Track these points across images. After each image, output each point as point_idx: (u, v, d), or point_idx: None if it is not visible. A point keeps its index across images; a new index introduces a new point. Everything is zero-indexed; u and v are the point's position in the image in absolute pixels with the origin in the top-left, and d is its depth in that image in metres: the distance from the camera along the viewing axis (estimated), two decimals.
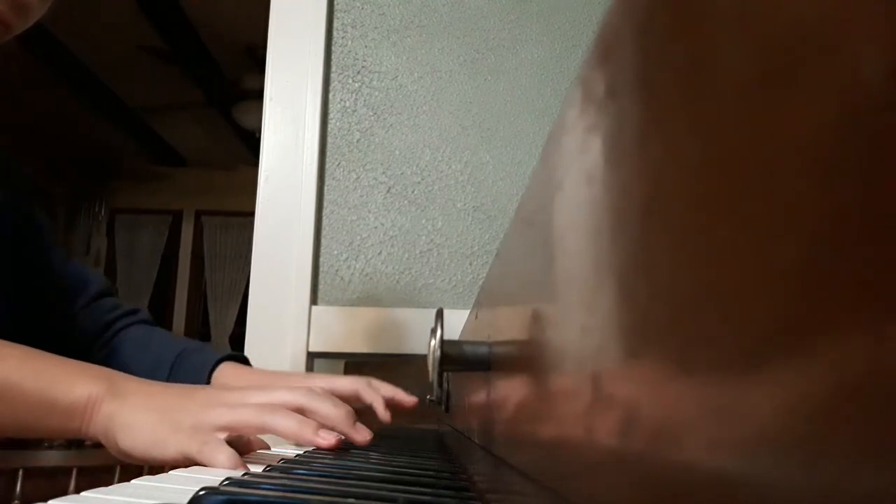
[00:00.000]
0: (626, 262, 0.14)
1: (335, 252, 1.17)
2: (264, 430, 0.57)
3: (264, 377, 0.80)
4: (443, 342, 0.43)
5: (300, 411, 0.58)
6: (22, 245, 0.82)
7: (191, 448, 0.53)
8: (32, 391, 0.56)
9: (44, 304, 0.74)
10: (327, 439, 0.57)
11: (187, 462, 0.54)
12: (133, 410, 0.57)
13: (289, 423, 0.56)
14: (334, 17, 1.23)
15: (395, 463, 0.53)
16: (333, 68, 1.22)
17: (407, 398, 0.80)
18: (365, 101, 1.21)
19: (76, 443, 1.22)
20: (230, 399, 0.58)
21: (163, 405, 0.57)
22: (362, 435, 0.63)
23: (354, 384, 0.78)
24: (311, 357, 1.13)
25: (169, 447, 0.54)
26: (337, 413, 0.61)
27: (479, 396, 0.42)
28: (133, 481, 0.41)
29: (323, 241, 1.17)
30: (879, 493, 0.06)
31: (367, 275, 1.16)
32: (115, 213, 4.98)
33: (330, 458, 0.54)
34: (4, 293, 0.76)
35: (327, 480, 0.41)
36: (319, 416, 0.60)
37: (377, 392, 0.77)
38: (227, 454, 0.52)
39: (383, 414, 0.76)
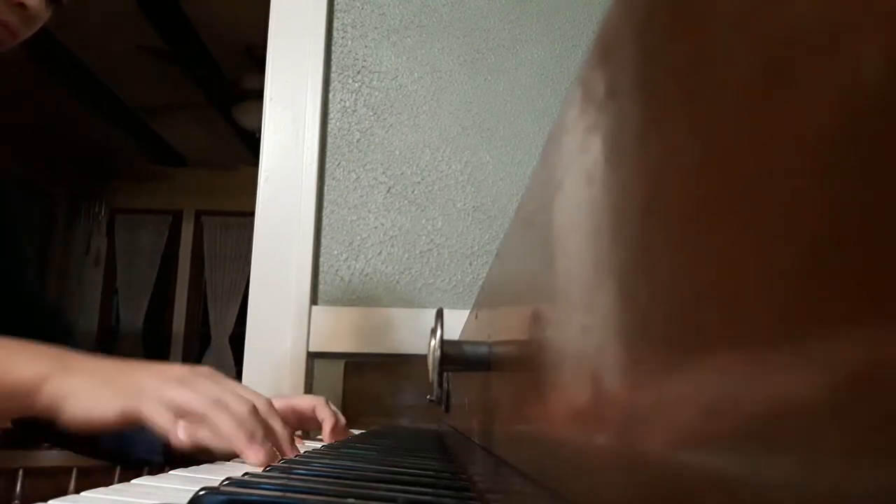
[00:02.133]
0: (626, 262, 0.14)
1: (335, 252, 1.17)
2: (203, 419, 0.55)
3: None
4: (443, 342, 0.43)
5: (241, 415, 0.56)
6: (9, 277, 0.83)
7: (131, 405, 0.55)
8: None
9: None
10: (257, 453, 0.54)
11: (126, 421, 0.55)
12: (74, 381, 0.58)
13: (228, 424, 0.54)
14: (334, 17, 1.23)
15: (395, 463, 0.53)
16: (333, 68, 1.22)
17: (347, 434, 0.83)
18: (365, 101, 1.21)
19: (59, 444, 1.22)
20: (181, 377, 0.58)
21: (109, 374, 0.59)
22: (257, 455, 0.57)
23: (313, 401, 0.81)
24: (311, 357, 1.13)
25: (109, 407, 0.55)
26: (281, 431, 0.59)
27: (479, 396, 0.42)
28: (133, 481, 0.41)
29: (323, 241, 1.17)
30: (879, 493, 0.06)
31: (367, 275, 1.16)
32: (115, 213, 4.98)
33: (330, 458, 0.54)
34: None
35: (327, 480, 0.41)
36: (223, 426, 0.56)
37: (332, 413, 0.80)
38: (168, 417, 0.53)
39: (327, 434, 0.79)
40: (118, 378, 0.58)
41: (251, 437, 0.54)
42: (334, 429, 0.78)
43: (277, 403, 0.77)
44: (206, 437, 0.55)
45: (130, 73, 3.69)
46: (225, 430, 0.54)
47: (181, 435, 0.53)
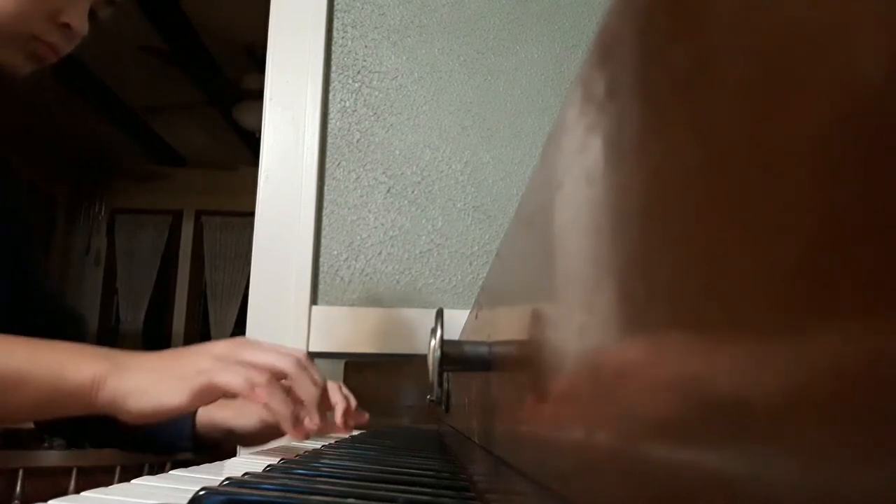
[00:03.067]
0: (626, 261, 0.14)
1: (335, 252, 1.17)
2: (248, 397, 0.61)
3: None
4: (443, 342, 0.43)
5: (283, 377, 0.64)
6: (15, 267, 0.84)
7: (199, 384, 0.60)
8: (45, 378, 0.61)
9: (26, 328, 0.76)
10: (297, 433, 0.62)
11: (200, 403, 0.61)
12: (134, 377, 0.62)
13: (277, 402, 0.61)
14: (334, 17, 1.23)
15: (395, 463, 0.53)
16: (333, 68, 1.22)
17: (359, 417, 0.84)
18: (365, 101, 1.21)
19: (76, 443, 1.22)
20: (228, 351, 0.64)
21: (162, 365, 0.63)
22: (305, 428, 0.65)
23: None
24: (311, 357, 1.13)
25: (177, 394, 0.60)
26: (313, 392, 0.66)
27: (479, 396, 0.42)
28: (133, 481, 0.41)
29: (323, 241, 1.17)
30: (880, 493, 0.06)
31: (367, 275, 1.16)
32: (115, 213, 4.98)
33: (330, 458, 0.54)
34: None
35: (327, 480, 0.41)
36: (301, 391, 0.65)
37: (344, 398, 0.81)
38: (241, 380, 0.59)
39: (339, 419, 0.79)
40: (173, 367, 0.63)
41: (292, 421, 0.62)
42: (346, 412, 0.79)
43: None
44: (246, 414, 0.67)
45: (130, 73, 3.69)
46: (272, 406, 0.61)
47: (261, 395, 0.60)
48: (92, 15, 0.75)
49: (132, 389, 0.61)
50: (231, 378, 0.61)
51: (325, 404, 0.81)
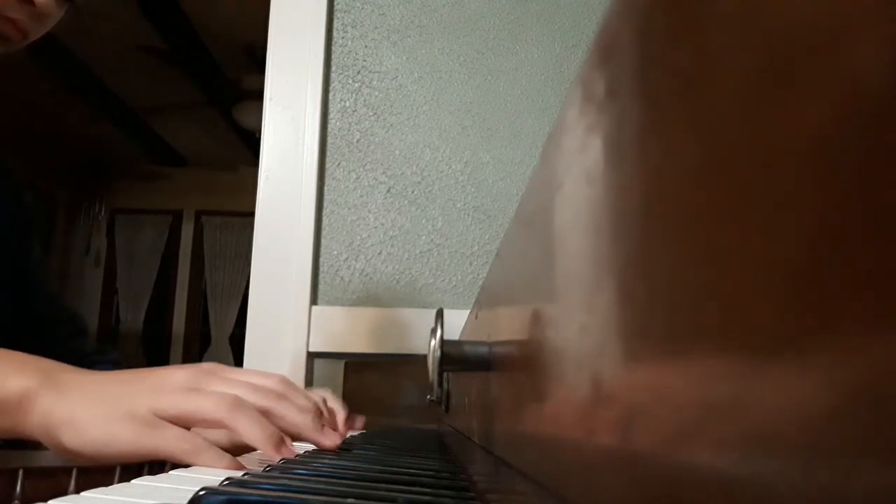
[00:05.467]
0: (626, 262, 0.14)
1: (335, 252, 1.17)
2: (222, 426, 0.51)
3: None
4: (443, 342, 0.43)
5: (264, 413, 0.53)
6: (15, 265, 0.83)
7: (166, 446, 0.48)
8: None
9: (24, 326, 0.75)
10: (286, 454, 0.51)
11: (144, 458, 0.49)
12: (72, 404, 0.50)
13: (252, 428, 0.50)
14: (334, 17, 1.23)
15: (395, 463, 0.53)
16: (333, 68, 1.22)
17: (354, 422, 0.80)
18: (365, 101, 1.21)
19: None
20: (187, 382, 0.52)
21: (107, 394, 0.51)
22: (331, 439, 0.57)
23: (321, 395, 0.75)
24: (311, 357, 1.13)
25: (127, 443, 0.48)
26: (303, 419, 0.55)
27: (479, 396, 0.42)
28: (133, 481, 0.41)
29: (323, 241, 1.17)
30: (880, 495, 0.06)
31: (367, 275, 1.16)
32: (115, 213, 4.98)
33: (330, 458, 0.54)
34: None
35: (327, 480, 0.41)
36: (285, 422, 0.54)
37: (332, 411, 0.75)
38: (218, 455, 0.48)
39: (341, 424, 0.74)
40: (122, 399, 0.50)
41: (276, 443, 0.51)
42: (347, 419, 0.75)
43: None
44: (222, 440, 0.53)
45: (130, 73, 3.69)
46: (248, 435, 0.51)
47: (209, 463, 0.48)
48: None
49: (66, 419, 0.49)
50: (178, 447, 0.48)
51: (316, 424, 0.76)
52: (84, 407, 0.50)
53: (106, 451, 0.49)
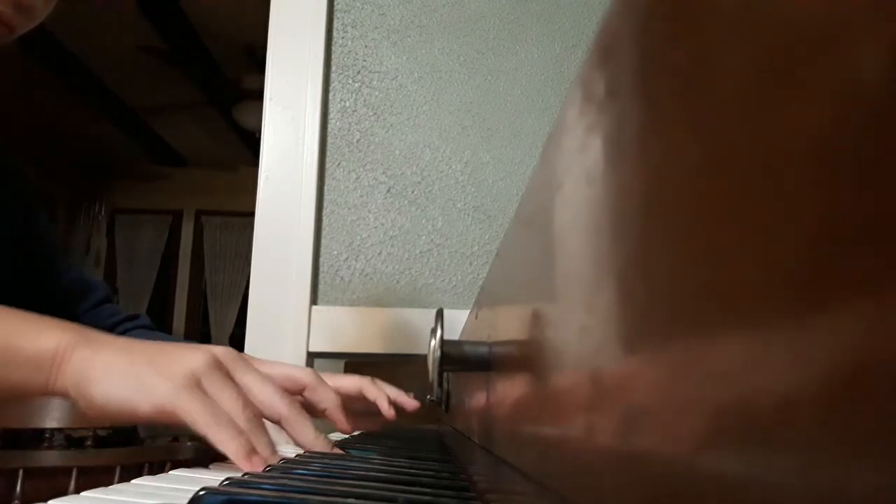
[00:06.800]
0: (626, 262, 0.14)
1: (335, 252, 1.17)
2: (200, 433, 0.49)
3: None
4: (443, 342, 0.43)
5: (300, 390, 0.59)
6: (26, 247, 0.83)
7: (183, 389, 0.47)
8: None
9: (47, 306, 0.75)
10: (256, 465, 0.48)
11: (166, 418, 0.48)
12: (108, 358, 0.50)
13: (229, 437, 0.48)
14: (334, 17, 1.23)
15: (394, 463, 0.53)
16: (333, 68, 1.22)
17: (409, 401, 0.79)
18: (365, 101, 1.21)
19: (76, 442, 1.22)
20: (197, 368, 0.51)
21: (139, 354, 0.51)
22: (322, 445, 0.57)
23: (359, 382, 0.78)
24: (311, 357, 1.13)
25: (153, 394, 0.48)
26: (334, 399, 0.61)
27: (479, 396, 0.42)
28: (133, 481, 0.41)
29: (323, 241, 1.17)
30: (880, 493, 0.06)
31: (367, 275, 1.16)
32: (115, 213, 4.98)
33: (330, 458, 0.54)
34: (9, 294, 0.76)
35: (327, 480, 0.41)
36: (321, 402, 0.60)
37: (381, 390, 0.77)
38: (233, 430, 0.47)
39: (387, 411, 0.76)
40: (157, 359, 0.50)
41: (249, 451, 0.49)
42: (390, 402, 0.75)
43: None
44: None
45: (130, 73, 3.69)
46: (224, 447, 0.49)
47: (224, 440, 0.47)
48: None
49: (101, 374, 0.49)
50: (199, 416, 0.48)
51: (356, 406, 0.75)
52: (118, 360, 0.50)
53: (137, 406, 0.48)
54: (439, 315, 0.46)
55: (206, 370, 0.51)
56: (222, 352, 0.54)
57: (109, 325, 0.89)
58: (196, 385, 0.50)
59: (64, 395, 0.51)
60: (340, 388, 0.74)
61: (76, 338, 0.51)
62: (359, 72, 1.22)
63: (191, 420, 0.48)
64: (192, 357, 0.51)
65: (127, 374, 0.49)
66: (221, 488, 0.33)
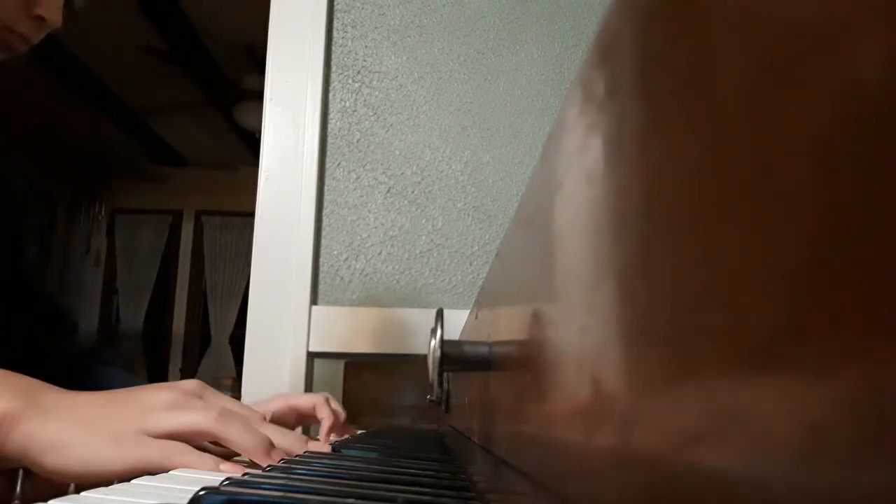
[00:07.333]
0: (626, 262, 0.14)
1: (335, 252, 1.17)
2: (211, 436, 0.51)
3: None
4: (443, 342, 0.43)
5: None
6: (11, 264, 0.84)
7: (150, 455, 0.48)
8: None
9: (22, 330, 0.75)
10: (273, 459, 0.51)
11: (135, 475, 0.46)
12: (57, 426, 0.49)
13: (242, 436, 0.51)
14: (334, 17, 1.23)
15: (394, 463, 0.53)
16: (333, 68, 1.22)
17: (349, 430, 0.83)
18: (365, 101, 1.21)
19: None
20: (168, 401, 0.52)
21: (93, 416, 0.50)
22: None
23: (314, 399, 0.80)
24: (311, 357, 1.13)
25: (113, 460, 0.48)
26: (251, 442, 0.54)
27: (479, 396, 0.42)
28: (133, 481, 0.41)
29: (323, 241, 1.17)
30: (880, 496, 0.06)
31: (367, 275, 1.16)
32: (115, 213, 4.98)
33: (330, 459, 0.54)
34: None
35: (327, 480, 0.41)
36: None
37: (330, 413, 0.79)
38: (198, 455, 0.48)
39: (324, 437, 0.77)
40: (108, 419, 0.50)
41: (266, 450, 0.51)
42: (332, 428, 0.78)
43: (277, 403, 0.79)
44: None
45: (130, 73, 3.69)
46: (240, 443, 0.51)
47: (193, 463, 0.48)
48: (67, 2, 0.74)
49: (53, 441, 0.48)
50: (193, 461, 0.48)
51: (310, 422, 0.76)
52: (69, 429, 0.49)
53: (93, 470, 0.48)
54: (439, 315, 0.46)
55: (181, 397, 0.53)
56: (192, 384, 0.55)
57: (77, 355, 0.89)
58: (176, 405, 0.52)
59: (12, 461, 0.50)
60: (295, 405, 0.79)
61: (23, 404, 0.49)
62: (359, 72, 1.22)
63: (158, 462, 0.48)
64: (159, 393, 0.53)
65: (78, 442, 0.49)
66: (221, 488, 0.33)
